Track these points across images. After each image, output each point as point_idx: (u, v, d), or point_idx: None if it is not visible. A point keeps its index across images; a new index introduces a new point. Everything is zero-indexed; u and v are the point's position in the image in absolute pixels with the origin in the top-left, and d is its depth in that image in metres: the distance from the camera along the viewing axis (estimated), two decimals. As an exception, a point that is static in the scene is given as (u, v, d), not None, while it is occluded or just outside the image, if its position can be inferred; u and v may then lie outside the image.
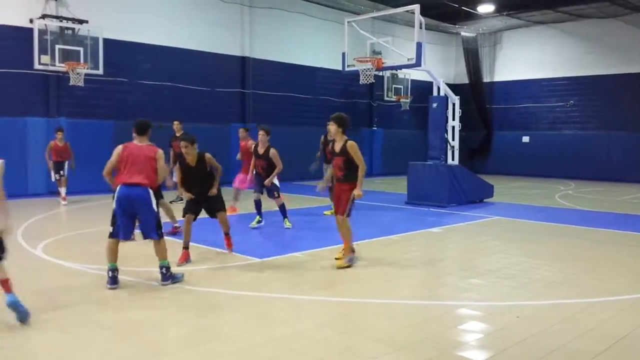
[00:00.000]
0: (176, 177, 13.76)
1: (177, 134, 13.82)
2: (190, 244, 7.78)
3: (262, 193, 10.30)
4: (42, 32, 14.79)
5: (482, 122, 27.10)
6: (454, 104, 14.94)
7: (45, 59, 14.67)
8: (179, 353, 4.55)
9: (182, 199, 13.39)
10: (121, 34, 16.63)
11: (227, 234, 8.03)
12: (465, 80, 27.39)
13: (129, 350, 4.54)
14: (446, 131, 14.76)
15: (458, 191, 14.28)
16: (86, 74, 15.11)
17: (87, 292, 6.10)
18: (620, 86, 23.16)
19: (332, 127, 7.39)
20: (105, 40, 15.56)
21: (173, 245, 8.05)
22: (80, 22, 15.61)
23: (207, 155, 7.67)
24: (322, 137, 11.79)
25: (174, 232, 9.33)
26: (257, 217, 10.57)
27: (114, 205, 6.31)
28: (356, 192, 7.29)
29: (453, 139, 14.93)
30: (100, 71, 15.43)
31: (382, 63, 14.94)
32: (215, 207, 7.82)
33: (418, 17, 13.24)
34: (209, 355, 4.46)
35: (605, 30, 23.46)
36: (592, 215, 13.31)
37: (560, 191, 18.70)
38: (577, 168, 23.58)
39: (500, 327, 5.23)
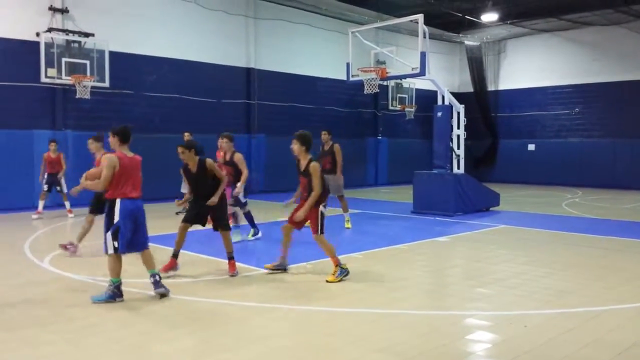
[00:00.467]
0: (186, 189, 13.84)
1: None
2: (198, 255, 7.80)
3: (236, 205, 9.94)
4: (49, 46, 14.90)
5: (488, 131, 27.05)
6: (458, 113, 14.94)
7: (52, 72, 14.77)
8: (186, 365, 4.54)
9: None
10: (127, 47, 16.74)
11: (231, 258, 7.47)
12: (470, 89, 27.38)
13: (135, 362, 4.53)
14: (451, 140, 14.75)
15: (464, 200, 14.25)
16: (92, 87, 15.20)
17: (94, 304, 6.10)
18: (626, 93, 23.10)
19: (295, 147, 7.21)
20: (111, 53, 15.67)
21: (192, 259, 8.05)
22: (87, 35, 15.73)
23: (209, 161, 7.46)
24: (321, 148, 11.95)
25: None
26: (252, 229, 10.38)
27: (118, 219, 6.16)
28: (300, 213, 7.18)
29: (458, 148, 14.92)
30: (107, 84, 15.53)
31: (387, 73, 14.95)
32: (220, 224, 7.56)
33: (422, 27, 13.27)
34: (215, 367, 4.45)
35: (609, 38, 23.45)
36: (599, 223, 13.24)
37: (567, 199, 18.63)
38: (584, 176, 23.49)
39: (508, 337, 5.20)
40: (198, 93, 18.65)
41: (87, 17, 16.03)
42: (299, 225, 7.46)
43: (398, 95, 24.00)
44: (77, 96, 15.05)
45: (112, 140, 6.42)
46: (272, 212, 13.81)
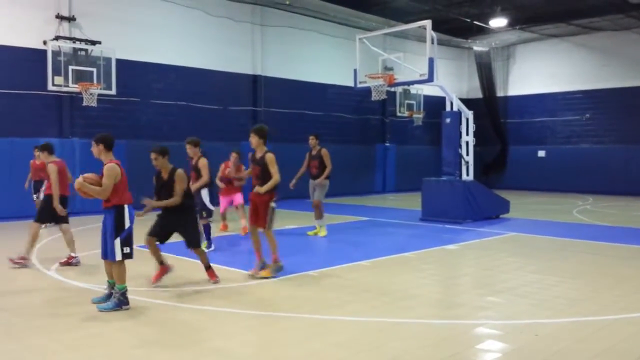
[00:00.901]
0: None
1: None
2: (198, 262, 7.69)
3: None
4: (56, 54, 14.95)
5: (497, 137, 26.88)
6: (467, 119, 14.82)
7: (59, 80, 14.81)
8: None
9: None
10: (134, 54, 16.78)
11: (208, 267, 7.37)
12: (479, 95, 27.24)
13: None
14: (460, 146, 14.62)
15: (473, 207, 14.10)
16: (99, 94, 15.23)
17: (102, 313, 6.02)
18: (637, 99, 22.90)
19: (253, 140, 7.66)
20: (118, 61, 15.71)
21: (193, 265, 8.03)
22: (93, 43, 15.78)
23: (179, 172, 7.05)
24: (307, 154, 11.89)
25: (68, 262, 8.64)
26: (206, 242, 9.71)
27: (128, 225, 6.23)
28: (261, 189, 7.59)
29: (467, 154, 14.78)
30: (113, 91, 15.56)
31: (394, 79, 14.86)
32: (189, 241, 7.21)
33: (430, 33, 13.18)
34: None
35: (620, 43, 23.28)
36: (611, 230, 13.06)
37: (578, 206, 18.43)
38: (595, 182, 23.25)
39: (519, 346, 5.07)
40: (205, 100, 18.65)
41: (94, 25, 16.07)
42: (261, 222, 7.67)
43: (406, 101, 23.91)
44: (84, 104, 15.07)
45: (97, 149, 6.48)
46: (279, 219, 13.69)
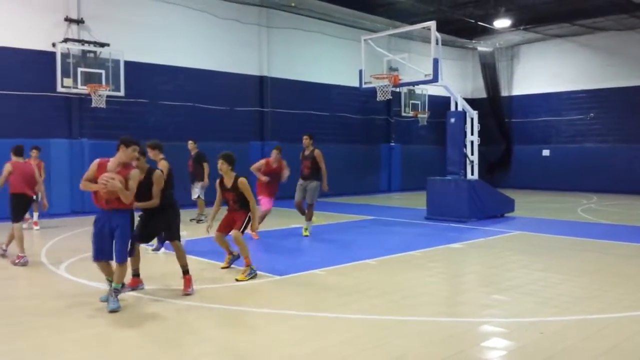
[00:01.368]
0: (195, 195, 13.96)
1: (192, 153, 14.04)
2: (207, 261, 7.81)
3: None
4: (65, 56, 15.11)
5: (502, 136, 26.92)
6: (472, 119, 14.90)
7: (68, 81, 14.97)
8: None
9: (201, 220, 13.50)
10: (142, 56, 16.92)
11: (185, 272, 6.91)
12: (483, 95, 27.28)
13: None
14: (465, 146, 14.71)
15: (478, 206, 14.18)
16: (108, 96, 15.40)
17: (106, 311, 6.14)
18: (641, 98, 22.92)
19: (223, 166, 7.77)
20: (126, 63, 15.86)
21: (196, 264, 8.11)
22: (102, 45, 15.94)
23: (157, 172, 6.94)
24: (301, 154, 11.68)
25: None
26: (157, 244, 9.60)
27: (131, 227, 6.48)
28: (255, 225, 8.13)
29: (472, 154, 14.86)
30: (122, 93, 15.72)
31: (399, 79, 14.97)
32: (170, 236, 7.10)
33: (434, 33, 13.28)
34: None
35: (624, 42, 23.29)
36: (615, 228, 13.12)
37: (582, 205, 18.47)
38: (599, 181, 23.27)
39: (525, 344, 5.16)
40: (212, 101, 18.78)
41: (103, 27, 16.22)
42: (237, 225, 7.86)
43: (411, 101, 24.00)
44: (93, 105, 15.24)
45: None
46: (282, 219, 13.84)
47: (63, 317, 5.94)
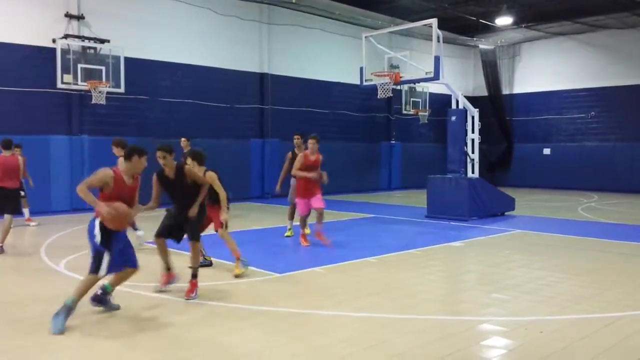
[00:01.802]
0: None
1: (185, 151, 13.92)
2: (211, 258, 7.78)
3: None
4: (65, 52, 15.09)
5: (502, 135, 26.90)
6: (473, 117, 14.88)
7: (68, 78, 14.95)
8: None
9: None
10: (142, 53, 16.90)
11: (194, 276, 6.64)
12: (485, 93, 27.25)
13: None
14: (465, 144, 14.69)
15: (479, 204, 14.17)
16: (108, 92, 15.38)
17: (108, 309, 6.14)
18: (643, 96, 22.89)
19: (190, 162, 7.57)
20: (127, 59, 15.84)
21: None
22: (102, 41, 15.91)
23: (187, 168, 6.84)
24: (290, 153, 11.32)
25: None
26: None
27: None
28: (222, 216, 7.75)
29: (473, 152, 14.85)
30: (122, 89, 15.70)
31: (400, 77, 14.93)
32: (191, 234, 6.77)
33: (436, 31, 13.25)
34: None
35: (626, 41, 23.25)
36: (616, 227, 13.11)
37: (583, 204, 18.46)
38: (600, 180, 23.26)
39: (524, 343, 5.16)
40: (212, 98, 18.77)
41: (103, 23, 16.20)
42: (217, 224, 7.97)
43: (412, 99, 23.97)
44: (93, 102, 15.22)
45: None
46: (283, 217, 13.82)
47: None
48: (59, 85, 14.92)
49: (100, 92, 15.16)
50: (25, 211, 12.70)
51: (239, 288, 7.11)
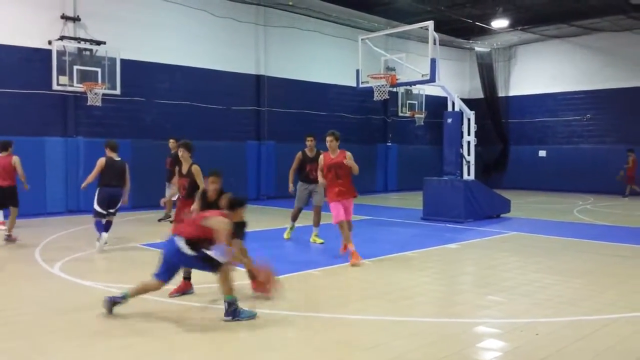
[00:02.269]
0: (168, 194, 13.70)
1: (173, 152, 13.88)
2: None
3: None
4: (61, 54, 15.05)
5: (498, 137, 26.95)
6: (469, 119, 14.90)
7: (64, 79, 14.91)
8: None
9: (170, 218, 13.40)
10: (138, 55, 16.87)
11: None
12: (480, 95, 27.30)
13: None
14: (461, 146, 14.71)
15: (474, 206, 14.19)
16: (104, 94, 15.33)
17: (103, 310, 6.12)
18: (638, 99, 22.93)
19: (185, 154, 8.00)
20: (123, 61, 15.81)
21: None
22: (98, 43, 15.88)
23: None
24: (300, 154, 11.00)
25: None
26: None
27: None
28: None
29: (469, 154, 14.87)
30: (118, 91, 15.66)
31: (396, 79, 14.93)
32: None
33: (432, 33, 13.27)
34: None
35: (621, 43, 23.32)
36: (611, 230, 13.13)
37: (578, 206, 18.50)
38: (595, 182, 23.28)
39: (520, 345, 5.16)
40: (208, 100, 18.74)
41: (99, 25, 16.17)
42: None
43: (408, 101, 23.98)
44: (89, 103, 15.18)
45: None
46: (283, 218, 13.81)
47: (58, 317, 5.91)
48: (55, 87, 14.87)
49: (96, 93, 15.12)
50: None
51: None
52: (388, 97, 15.73)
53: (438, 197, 14.42)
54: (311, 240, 10.80)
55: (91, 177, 9.83)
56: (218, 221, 5.80)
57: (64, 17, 15.64)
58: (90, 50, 15.73)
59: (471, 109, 15.14)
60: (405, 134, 25.34)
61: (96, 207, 9.71)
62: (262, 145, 20.22)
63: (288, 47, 20.96)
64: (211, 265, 5.85)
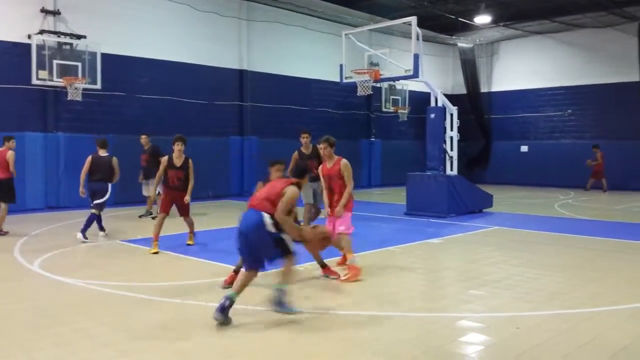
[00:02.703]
0: (148, 191, 13.54)
1: (145, 148, 13.76)
2: (187, 257, 7.69)
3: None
4: (40, 48, 14.83)
5: (481, 132, 27.11)
6: (452, 115, 14.96)
7: (43, 74, 14.69)
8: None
9: (152, 214, 13.31)
10: (119, 49, 16.67)
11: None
12: (463, 91, 27.44)
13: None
14: (444, 141, 14.76)
15: (457, 201, 14.26)
16: (84, 89, 15.15)
17: (86, 308, 6.05)
18: (618, 95, 23.18)
19: (182, 147, 9.26)
20: (103, 55, 15.61)
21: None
22: (79, 37, 15.68)
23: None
24: (296, 153, 10.55)
25: None
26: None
27: None
28: (186, 198, 9.39)
29: (451, 149, 14.93)
30: (98, 86, 15.47)
31: (380, 75, 14.96)
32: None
33: (415, 29, 13.28)
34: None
35: (602, 40, 23.55)
36: (592, 224, 13.27)
37: (559, 200, 18.68)
38: (576, 177, 23.49)
39: (502, 339, 5.19)
40: (190, 95, 18.59)
41: (79, 19, 15.95)
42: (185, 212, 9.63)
43: (391, 97, 24.04)
44: (69, 98, 14.98)
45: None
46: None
47: (39, 314, 5.84)
48: (34, 81, 14.65)
49: (76, 88, 14.92)
50: None
51: (209, 287, 6.99)
52: (372, 93, 15.77)
53: (421, 193, 14.47)
54: None
55: (81, 176, 10.44)
56: (293, 193, 5.76)
57: (43, 10, 15.41)
58: (71, 44, 15.52)
59: (454, 105, 15.20)
60: (389, 129, 25.39)
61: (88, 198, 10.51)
62: (245, 140, 20.12)
63: (271, 42, 20.87)
64: (282, 250, 5.72)
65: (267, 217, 5.64)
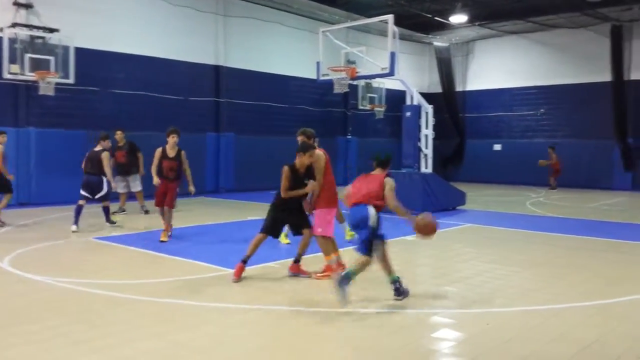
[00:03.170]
0: (127, 188, 13.46)
1: (120, 144, 13.64)
2: (162, 254, 7.64)
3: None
4: (12, 41, 14.53)
5: (456, 131, 27.37)
6: (427, 113, 15.09)
7: (15, 68, 14.39)
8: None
9: (124, 211, 13.21)
10: (93, 43, 16.43)
11: (297, 260, 7.61)
12: (439, 90, 27.67)
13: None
14: (419, 140, 14.89)
15: (431, 199, 14.39)
16: (57, 83, 14.87)
17: (58, 306, 5.99)
18: (590, 95, 23.60)
19: (177, 139, 9.79)
20: (77, 49, 15.36)
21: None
22: (51, 30, 15.40)
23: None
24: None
25: None
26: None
27: None
28: (191, 188, 10.03)
29: (426, 147, 15.07)
30: (71, 80, 15.22)
31: (356, 72, 15.02)
32: (302, 225, 7.73)
33: (392, 27, 13.37)
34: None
35: (576, 40, 23.94)
36: (563, 222, 13.50)
37: (531, 198, 18.96)
38: (548, 175, 23.89)
39: (473, 335, 5.28)
40: (166, 90, 18.41)
41: (52, 12, 15.67)
42: (170, 203, 9.82)
43: (368, 94, 24.09)
44: (41, 93, 14.71)
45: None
46: (241, 211, 13.75)
47: (10, 312, 5.76)
48: (5, 75, 14.34)
49: (48, 82, 14.65)
50: None
51: (199, 285, 6.96)
52: (348, 90, 15.84)
53: (396, 190, 14.51)
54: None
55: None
56: (392, 188, 6.88)
57: (16, 3, 15.11)
58: (43, 37, 15.25)
59: (430, 103, 15.34)
60: (365, 127, 25.47)
61: (81, 191, 10.96)
62: (222, 137, 20.02)
63: (248, 37, 20.78)
64: (370, 246, 6.41)
65: (372, 210, 6.80)
